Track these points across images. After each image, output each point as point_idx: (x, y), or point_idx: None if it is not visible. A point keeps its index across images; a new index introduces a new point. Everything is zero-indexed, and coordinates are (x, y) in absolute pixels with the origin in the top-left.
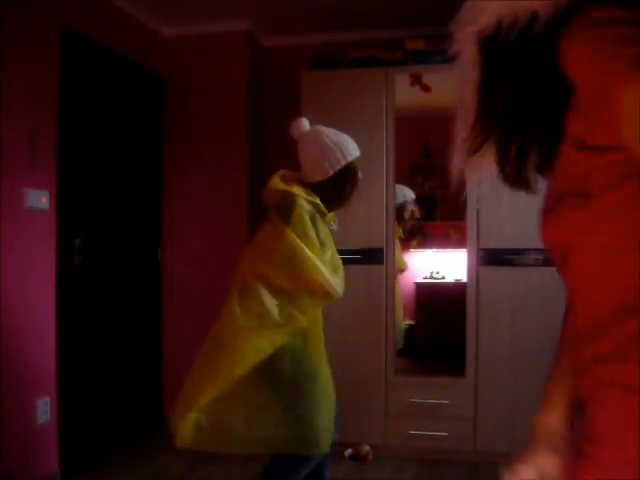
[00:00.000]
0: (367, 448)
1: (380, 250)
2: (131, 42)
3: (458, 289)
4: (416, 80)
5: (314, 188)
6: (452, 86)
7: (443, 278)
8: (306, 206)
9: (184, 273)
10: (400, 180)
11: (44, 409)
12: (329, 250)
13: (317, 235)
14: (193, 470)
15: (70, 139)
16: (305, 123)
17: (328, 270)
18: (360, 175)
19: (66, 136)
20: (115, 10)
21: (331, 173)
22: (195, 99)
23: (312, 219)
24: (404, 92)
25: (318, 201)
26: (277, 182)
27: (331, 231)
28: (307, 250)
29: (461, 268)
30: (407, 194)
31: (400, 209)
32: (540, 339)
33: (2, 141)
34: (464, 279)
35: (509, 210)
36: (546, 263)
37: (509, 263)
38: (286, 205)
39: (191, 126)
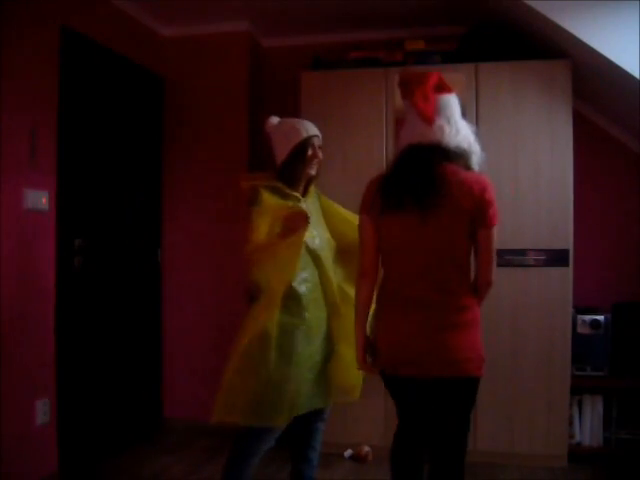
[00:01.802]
0: (367, 449)
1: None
2: (131, 42)
3: None
4: None
5: (281, 170)
6: (451, 87)
7: None
8: (266, 191)
9: (184, 273)
10: None
11: (43, 410)
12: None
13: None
14: (193, 471)
15: (70, 139)
16: (274, 119)
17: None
18: (319, 154)
19: (66, 136)
20: (115, 10)
21: (290, 148)
22: (195, 100)
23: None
24: None
25: (277, 184)
26: (243, 184)
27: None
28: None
29: None
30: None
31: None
32: (540, 339)
33: (2, 141)
34: None
35: (509, 210)
36: (546, 263)
37: (509, 263)
38: (251, 196)
39: (191, 127)
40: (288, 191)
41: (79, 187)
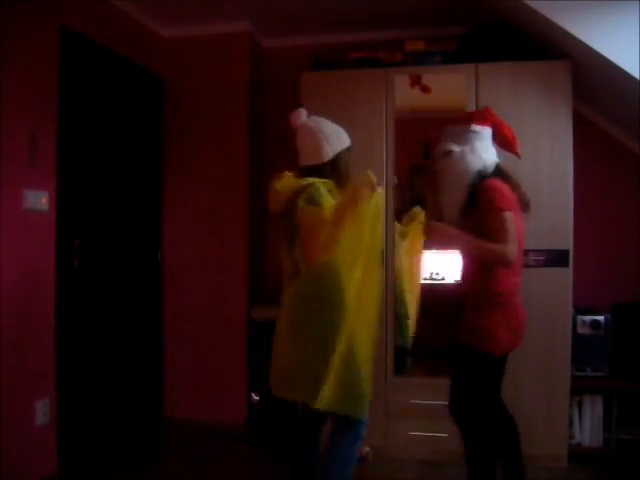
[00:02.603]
0: (367, 449)
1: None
2: (131, 43)
3: (458, 290)
4: (416, 81)
5: (311, 171)
6: (451, 87)
7: (443, 279)
8: (323, 189)
9: (184, 274)
10: (400, 181)
11: (43, 410)
12: None
13: None
14: (194, 471)
15: (70, 140)
16: (304, 113)
17: None
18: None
19: (66, 137)
20: (115, 11)
21: (331, 156)
22: (195, 100)
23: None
24: (404, 93)
25: (331, 184)
26: (291, 181)
27: None
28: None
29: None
30: None
31: None
32: (540, 339)
33: (2, 142)
34: None
35: None
36: (546, 264)
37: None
38: (312, 195)
39: (191, 127)
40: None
41: (79, 187)
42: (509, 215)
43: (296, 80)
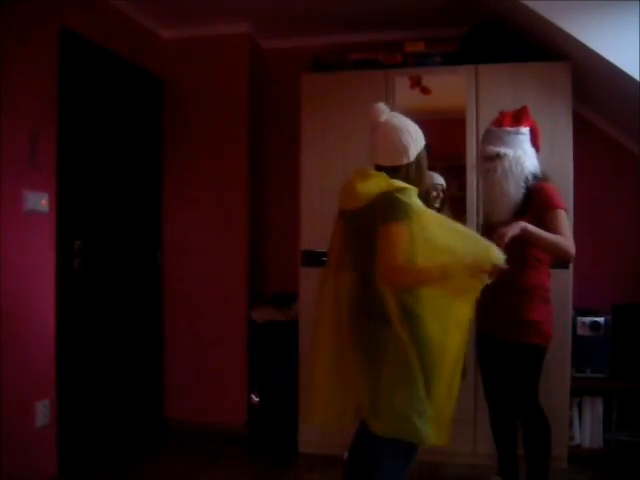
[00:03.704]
0: None
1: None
2: (131, 44)
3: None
4: (416, 83)
5: (390, 172)
6: (451, 89)
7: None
8: (416, 200)
9: (184, 275)
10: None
11: (43, 412)
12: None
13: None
14: (194, 472)
15: (70, 141)
16: (385, 110)
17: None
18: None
19: (66, 138)
20: (115, 12)
21: (412, 158)
22: (195, 101)
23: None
24: (404, 94)
25: (412, 190)
26: (383, 181)
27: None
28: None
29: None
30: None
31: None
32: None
33: (2, 143)
34: None
35: None
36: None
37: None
38: (399, 203)
39: (191, 128)
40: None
41: (79, 189)
42: (565, 214)
43: (296, 82)
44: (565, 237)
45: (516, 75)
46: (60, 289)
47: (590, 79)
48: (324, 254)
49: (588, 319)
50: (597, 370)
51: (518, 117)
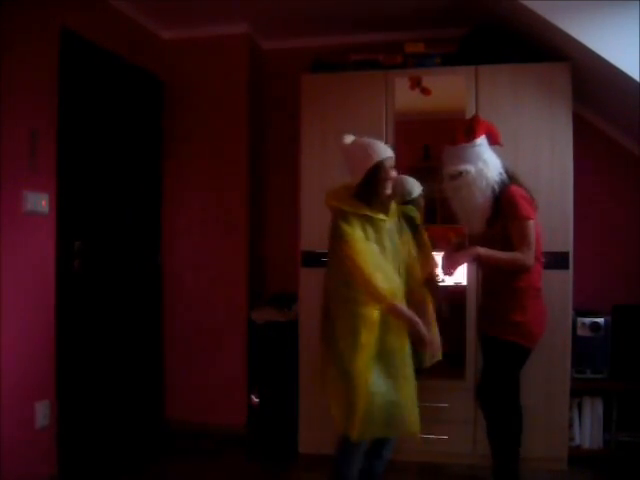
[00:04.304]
0: None
1: None
2: (131, 45)
3: (458, 293)
4: (416, 83)
5: (358, 192)
6: (451, 89)
7: (443, 281)
8: (354, 220)
9: (184, 276)
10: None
11: (43, 412)
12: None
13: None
14: (194, 473)
15: (70, 142)
16: (348, 138)
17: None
18: (392, 174)
19: (66, 139)
20: (115, 13)
21: (363, 173)
22: (195, 102)
23: (364, 230)
24: (404, 95)
25: (366, 212)
26: (327, 198)
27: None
28: (360, 259)
29: (461, 271)
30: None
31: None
32: (540, 341)
33: (2, 144)
34: (464, 282)
35: None
36: (546, 266)
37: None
38: (335, 222)
39: (191, 129)
40: (373, 215)
41: (79, 189)
42: (531, 223)
43: (296, 82)
44: (523, 249)
45: (516, 76)
46: (60, 290)
47: (590, 80)
48: (324, 254)
49: (588, 320)
50: (597, 371)
51: (470, 130)
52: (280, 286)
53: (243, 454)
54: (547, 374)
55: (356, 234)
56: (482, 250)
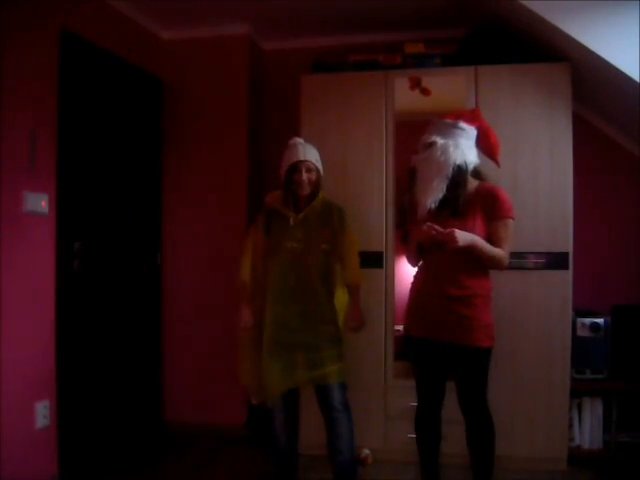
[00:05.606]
0: (367, 451)
1: (380, 254)
2: (131, 45)
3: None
4: (415, 84)
5: (281, 190)
6: (451, 90)
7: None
8: (263, 213)
9: (184, 276)
10: (399, 183)
11: (43, 413)
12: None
13: (270, 234)
14: (193, 474)
15: (70, 142)
16: (292, 141)
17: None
18: (297, 178)
19: (66, 139)
20: (115, 13)
21: (283, 172)
22: (195, 102)
23: (268, 223)
24: (404, 96)
25: (277, 207)
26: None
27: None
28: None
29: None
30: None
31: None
32: (539, 342)
33: (2, 144)
34: None
35: None
36: (546, 266)
37: (508, 266)
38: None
39: (191, 129)
40: (284, 212)
41: (79, 190)
42: (513, 222)
43: (296, 83)
44: (505, 248)
45: (516, 76)
46: (60, 290)
47: (590, 80)
48: None
49: (588, 320)
50: (597, 371)
51: (462, 114)
52: None
53: (243, 454)
54: (547, 374)
55: (251, 229)
56: (479, 242)
